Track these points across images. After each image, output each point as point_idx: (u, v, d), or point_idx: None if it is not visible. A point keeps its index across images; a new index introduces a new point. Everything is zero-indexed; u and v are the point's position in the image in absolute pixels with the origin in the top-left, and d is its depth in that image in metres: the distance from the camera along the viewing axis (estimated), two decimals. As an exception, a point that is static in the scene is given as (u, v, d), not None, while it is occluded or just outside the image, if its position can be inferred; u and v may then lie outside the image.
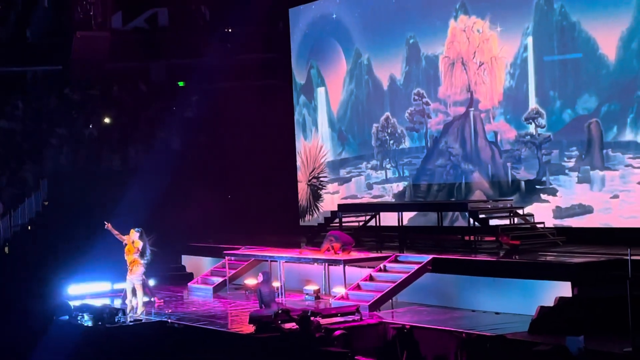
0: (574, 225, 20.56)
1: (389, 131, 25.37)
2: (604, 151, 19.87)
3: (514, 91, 21.92)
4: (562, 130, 20.74)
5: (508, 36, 22.00)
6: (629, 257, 14.95)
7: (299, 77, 28.58)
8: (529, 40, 21.48)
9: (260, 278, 18.70)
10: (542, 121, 21.21)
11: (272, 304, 18.11)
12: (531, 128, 21.49)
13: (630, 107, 19.34)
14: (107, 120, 30.99)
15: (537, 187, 21.37)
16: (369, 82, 26.10)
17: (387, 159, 25.49)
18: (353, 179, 26.67)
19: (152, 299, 21.10)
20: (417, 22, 24.50)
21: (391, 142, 25.33)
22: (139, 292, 19.77)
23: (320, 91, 27.87)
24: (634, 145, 19.27)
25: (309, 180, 28.46)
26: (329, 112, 27.50)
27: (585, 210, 20.27)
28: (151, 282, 22.57)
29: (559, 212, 20.84)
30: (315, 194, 28.16)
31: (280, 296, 20.38)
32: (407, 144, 24.94)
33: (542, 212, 21.08)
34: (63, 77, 31.84)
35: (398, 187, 25.19)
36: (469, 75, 23.05)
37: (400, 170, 25.11)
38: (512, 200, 21.63)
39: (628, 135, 19.34)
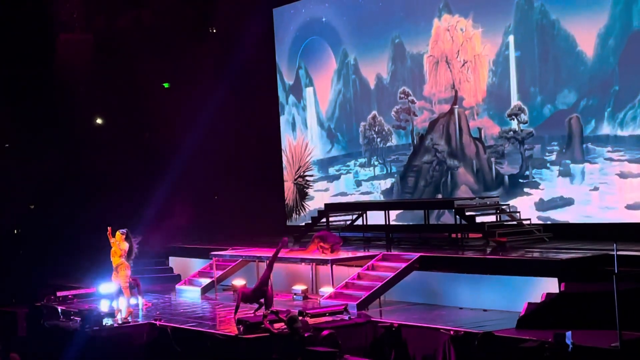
0: (555, 218, 20.87)
1: (376, 129, 25.56)
2: (584, 145, 20.29)
3: (497, 88, 22.23)
4: (544, 125, 21.12)
5: (490, 34, 22.32)
6: (614, 253, 15.01)
7: (288, 78, 28.69)
8: (511, 39, 21.84)
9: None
10: (525, 117, 21.56)
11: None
12: (514, 124, 21.83)
13: (608, 101, 19.80)
14: (98, 121, 30.86)
15: (520, 180, 21.72)
16: (356, 81, 26.25)
17: (375, 157, 25.67)
18: (342, 177, 26.84)
19: (142, 301, 21.10)
20: (402, 22, 24.72)
21: (378, 140, 25.52)
22: (126, 294, 19.74)
23: (309, 91, 28.01)
24: (612, 139, 19.69)
25: (295, 179, 28.48)
26: (317, 111, 27.65)
27: (567, 202, 20.70)
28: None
29: (541, 205, 21.22)
30: (302, 193, 28.21)
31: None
32: (394, 141, 25.11)
33: (525, 205, 21.45)
34: (49, 78, 31.70)
35: (386, 183, 25.36)
36: (453, 74, 23.30)
37: (388, 167, 25.30)
38: (498, 197, 21.77)
39: (605, 129, 19.81)
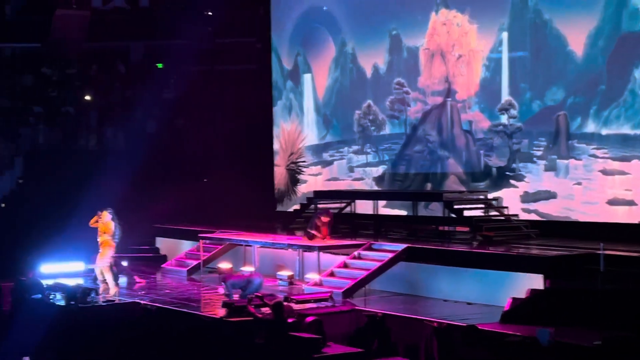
0: (539, 210, 21.17)
1: (370, 118, 25.78)
2: (570, 142, 20.64)
3: (489, 83, 22.47)
4: (532, 120, 21.48)
5: (485, 30, 22.54)
6: (601, 252, 15.15)
7: (287, 64, 28.80)
8: (504, 35, 22.09)
9: (220, 276, 18.95)
10: (514, 112, 21.85)
11: (252, 278, 18.22)
12: (504, 119, 22.11)
13: (594, 99, 20.18)
14: (87, 97, 30.80)
15: (507, 173, 22.02)
16: (353, 70, 26.44)
17: (368, 144, 25.88)
18: (335, 162, 27.03)
19: (127, 280, 21.17)
20: (400, 15, 24.91)
21: (372, 128, 25.74)
22: (107, 273, 19.77)
23: (307, 77, 28.15)
24: (597, 137, 20.08)
25: (288, 165, 28.54)
26: (314, 97, 27.81)
27: (550, 195, 21.02)
28: (124, 263, 22.56)
29: (526, 197, 21.55)
30: (294, 179, 28.31)
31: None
32: (387, 130, 25.36)
33: (510, 197, 21.81)
34: (41, 55, 31.62)
35: (378, 171, 25.58)
36: (448, 67, 23.49)
37: (381, 155, 25.53)
38: (487, 191, 21.91)
39: (590, 126, 20.21)
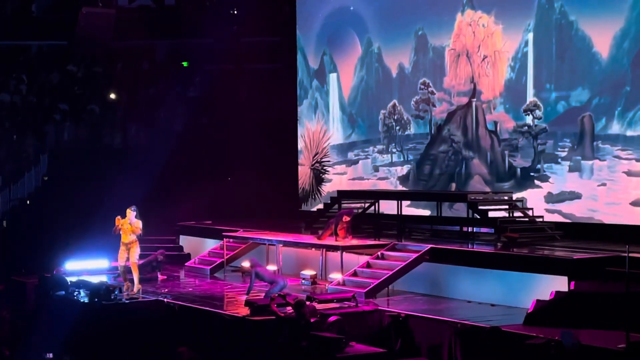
0: (563, 210, 21.13)
1: (395, 117, 25.83)
2: (595, 143, 20.60)
3: (514, 84, 22.46)
4: (557, 120, 21.45)
5: (511, 31, 22.52)
6: (627, 254, 15.00)
7: (313, 63, 28.94)
8: (530, 36, 22.04)
9: (249, 263, 18.85)
10: (539, 113, 21.82)
11: (277, 279, 18.22)
12: (529, 119, 22.07)
13: (619, 100, 20.11)
14: (112, 96, 30.90)
15: (532, 174, 21.97)
16: (379, 70, 26.50)
17: (393, 144, 25.93)
18: (360, 162, 27.09)
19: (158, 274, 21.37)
20: (426, 15, 24.95)
21: (397, 128, 25.77)
22: (135, 271, 19.77)
23: (333, 77, 28.25)
24: (622, 138, 20.03)
25: (312, 165, 28.59)
26: (340, 96, 27.91)
27: (575, 196, 20.97)
28: (160, 257, 22.61)
29: (550, 198, 21.52)
30: (318, 178, 28.37)
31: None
32: (412, 130, 25.41)
33: (535, 197, 21.78)
34: (67, 53, 31.78)
35: (402, 170, 25.62)
36: (473, 68, 23.48)
37: (405, 155, 25.55)
38: (511, 192, 21.83)
39: (615, 126, 20.15)
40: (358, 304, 17.11)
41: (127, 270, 19.79)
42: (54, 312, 18.86)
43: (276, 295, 16.53)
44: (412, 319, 15.78)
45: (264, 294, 17.70)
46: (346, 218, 20.65)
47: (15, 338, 19.01)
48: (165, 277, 21.94)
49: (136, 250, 19.75)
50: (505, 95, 22.67)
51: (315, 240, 20.94)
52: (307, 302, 15.57)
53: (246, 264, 21.51)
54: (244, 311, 16.62)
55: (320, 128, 28.44)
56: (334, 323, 14.74)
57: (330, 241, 20.43)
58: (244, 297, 17.98)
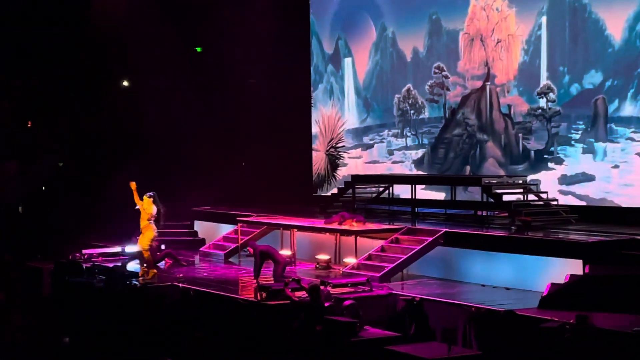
0: (577, 192, 21.19)
1: (410, 102, 25.88)
2: (608, 125, 20.67)
3: (528, 67, 22.46)
4: (570, 103, 21.51)
5: (524, 15, 22.53)
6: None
7: (327, 48, 29.02)
8: (543, 20, 22.06)
9: (249, 248, 18.97)
10: (553, 96, 21.88)
11: (279, 257, 18.35)
12: (542, 102, 22.09)
13: (632, 82, 20.17)
14: (125, 83, 30.93)
15: (545, 156, 22.02)
16: (393, 54, 26.54)
17: (408, 128, 26.01)
18: (375, 145, 27.18)
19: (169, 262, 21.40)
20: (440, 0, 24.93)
21: (412, 112, 25.81)
22: (146, 256, 19.83)
23: (347, 61, 28.29)
24: (635, 120, 20.10)
25: (327, 150, 28.62)
26: (355, 81, 27.95)
27: (588, 178, 21.05)
28: (162, 247, 22.67)
29: (563, 180, 21.59)
30: (333, 164, 28.42)
31: (293, 264, 20.39)
32: (426, 114, 25.45)
33: (549, 180, 21.85)
34: (82, 38, 31.77)
35: (417, 154, 25.66)
36: (487, 51, 23.51)
37: (420, 139, 25.61)
38: (526, 176, 21.80)
39: (628, 108, 20.22)
40: (372, 288, 17.14)
41: (142, 255, 19.88)
42: (69, 297, 18.93)
43: (290, 279, 16.57)
44: (426, 303, 15.77)
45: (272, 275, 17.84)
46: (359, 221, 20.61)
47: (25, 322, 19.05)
48: (171, 262, 21.96)
49: (148, 236, 19.83)
50: (519, 78, 22.67)
51: (329, 225, 20.91)
52: (322, 287, 15.58)
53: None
54: (259, 296, 16.65)
55: (335, 113, 28.47)
56: (348, 307, 14.75)
57: (345, 226, 20.42)
58: (254, 281, 18.10)
